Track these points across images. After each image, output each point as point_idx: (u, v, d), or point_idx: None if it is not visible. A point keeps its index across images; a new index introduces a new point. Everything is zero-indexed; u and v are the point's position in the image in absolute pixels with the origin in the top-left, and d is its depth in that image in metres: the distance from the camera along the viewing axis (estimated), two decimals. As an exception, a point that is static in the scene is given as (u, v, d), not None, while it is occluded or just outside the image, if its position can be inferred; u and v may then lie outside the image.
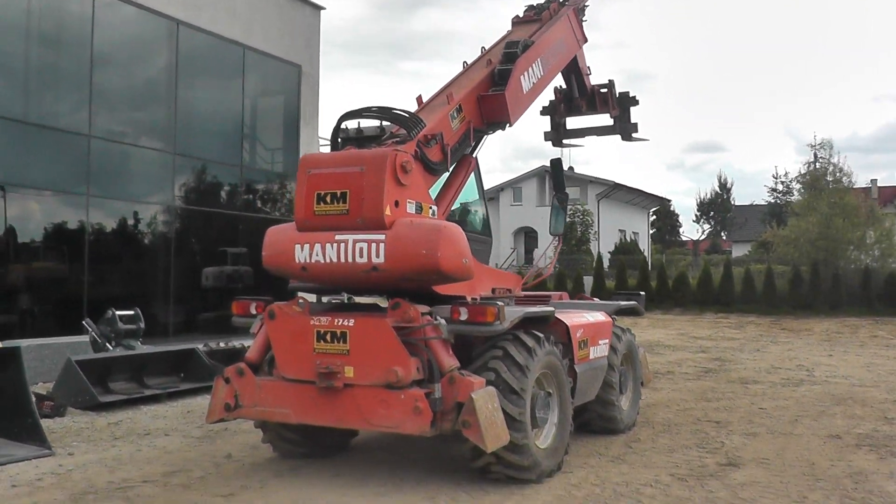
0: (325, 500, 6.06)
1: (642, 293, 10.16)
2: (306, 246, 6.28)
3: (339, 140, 6.90)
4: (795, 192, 47.54)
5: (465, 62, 8.67)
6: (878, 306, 28.71)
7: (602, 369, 8.16)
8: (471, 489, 6.29)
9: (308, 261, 6.27)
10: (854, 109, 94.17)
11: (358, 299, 7.35)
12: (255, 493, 6.22)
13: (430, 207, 6.73)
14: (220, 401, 6.55)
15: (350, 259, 6.12)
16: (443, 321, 6.15)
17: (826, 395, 11.54)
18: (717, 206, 60.53)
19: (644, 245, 51.41)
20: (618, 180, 52.27)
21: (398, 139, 6.77)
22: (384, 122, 8.01)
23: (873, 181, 41.60)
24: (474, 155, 8.22)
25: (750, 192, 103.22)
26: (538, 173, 52.70)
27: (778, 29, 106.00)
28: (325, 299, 7.38)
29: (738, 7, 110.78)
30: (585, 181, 51.58)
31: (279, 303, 6.55)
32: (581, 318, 7.84)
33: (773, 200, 51.11)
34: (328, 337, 6.20)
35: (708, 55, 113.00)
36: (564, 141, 11.82)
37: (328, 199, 6.25)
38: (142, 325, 10.97)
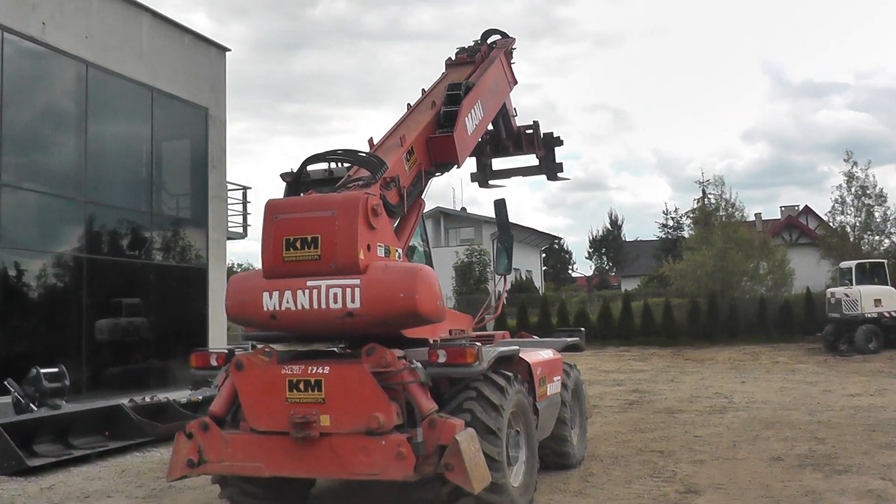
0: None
1: (582, 329, 10.35)
2: (275, 293, 6.08)
3: (293, 185, 6.79)
4: (686, 228, 49.96)
5: (408, 104, 8.72)
6: (774, 333, 30.26)
7: (557, 406, 8.24)
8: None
9: (278, 308, 6.07)
10: (727, 146, 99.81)
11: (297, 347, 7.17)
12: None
13: (397, 250, 6.68)
14: (183, 457, 6.21)
15: (324, 305, 5.96)
16: (419, 364, 6.09)
17: (753, 420, 12.01)
18: (608, 243, 62.51)
19: (538, 283, 52.41)
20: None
21: (361, 182, 6.72)
22: (331, 165, 8.01)
23: (757, 215, 44.00)
24: (423, 196, 8.24)
25: (632, 229, 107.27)
26: (432, 215, 53.09)
27: (647, 69, 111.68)
28: (278, 347, 7.17)
29: (611, 48, 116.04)
30: (480, 221, 52.33)
31: (245, 353, 6.31)
32: (538, 355, 7.90)
33: (664, 235, 53.17)
34: (301, 386, 6.01)
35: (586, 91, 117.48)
36: (490, 182, 12.00)
37: (298, 244, 6.10)
38: (67, 382, 10.35)
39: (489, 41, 10.64)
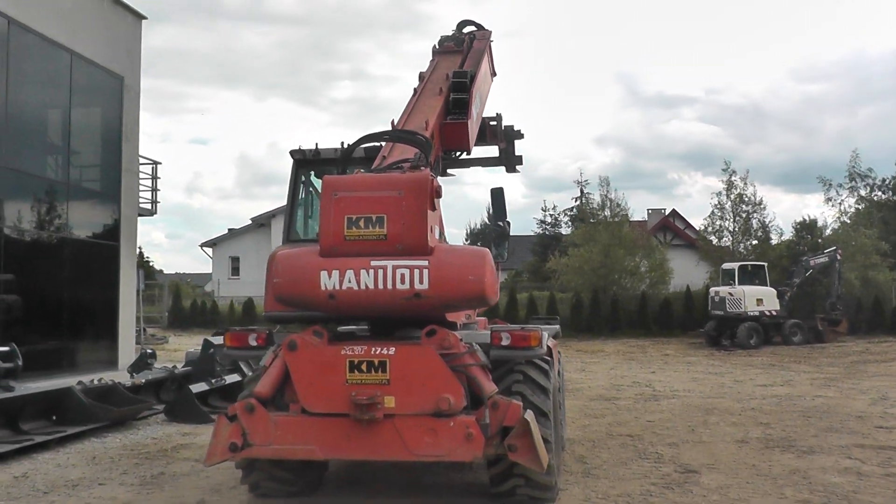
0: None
1: (557, 317, 10.61)
2: (335, 273, 5.85)
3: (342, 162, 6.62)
4: (563, 225, 51.79)
5: (414, 89, 8.66)
6: (654, 328, 31.97)
7: (562, 389, 8.45)
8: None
9: (338, 288, 5.85)
10: (579, 149, 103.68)
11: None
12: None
13: (444, 234, 6.64)
14: (224, 441, 5.88)
15: (389, 286, 5.82)
16: (477, 346, 6.10)
17: (691, 407, 12.70)
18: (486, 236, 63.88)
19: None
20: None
21: (409, 163, 6.61)
22: (346, 145, 7.84)
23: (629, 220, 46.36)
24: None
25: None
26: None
27: (505, 70, 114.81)
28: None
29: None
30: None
31: (298, 333, 6.07)
32: (550, 340, 8.07)
33: (541, 232, 54.89)
34: (364, 367, 5.86)
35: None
36: (448, 171, 12.05)
37: (361, 223, 5.92)
38: (20, 362, 9.49)
39: (465, 31, 10.68)
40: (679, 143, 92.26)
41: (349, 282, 5.84)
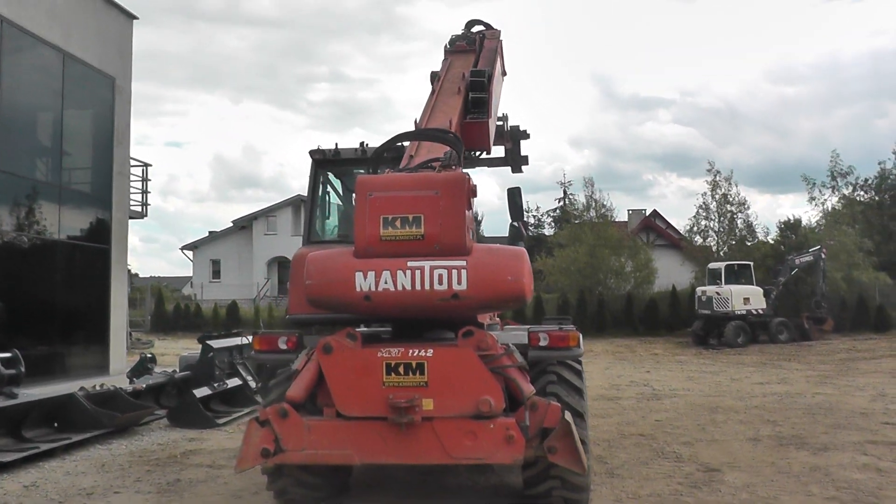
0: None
1: (569, 317, 10.54)
2: (371, 274, 5.72)
3: (374, 161, 6.51)
4: (546, 226, 51.94)
5: (432, 87, 8.57)
6: (640, 328, 32.11)
7: None
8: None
9: (374, 289, 5.72)
10: (555, 150, 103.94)
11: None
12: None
13: (475, 234, 6.54)
14: (256, 446, 5.71)
15: (427, 286, 5.70)
16: (514, 347, 6.02)
17: (695, 406, 12.70)
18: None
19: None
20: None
21: (440, 162, 6.51)
22: (366, 144, 7.74)
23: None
24: None
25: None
26: (293, 202, 52.22)
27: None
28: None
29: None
30: (344, 212, 51.91)
31: (333, 336, 5.93)
32: None
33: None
34: (401, 369, 5.73)
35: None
36: None
37: (397, 223, 5.81)
38: (22, 368, 9.24)
39: (474, 30, 10.62)
40: (654, 144, 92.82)
41: (385, 283, 5.71)
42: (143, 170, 19.42)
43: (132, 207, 18.34)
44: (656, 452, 8.84)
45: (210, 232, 54.76)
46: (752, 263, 28.31)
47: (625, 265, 34.44)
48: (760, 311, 26.86)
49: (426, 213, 5.80)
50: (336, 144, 7.75)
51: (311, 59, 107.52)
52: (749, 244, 33.42)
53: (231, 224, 53.05)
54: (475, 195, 6.11)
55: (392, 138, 6.58)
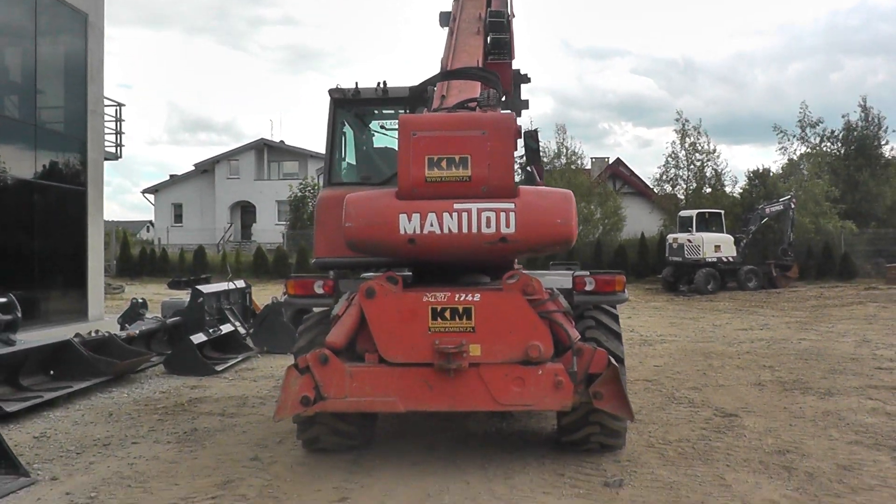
0: (447, 487, 5.50)
1: (577, 262, 10.47)
2: (415, 216, 5.52)
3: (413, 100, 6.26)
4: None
5: (449, 28, 8.27)
6: (609, 274, 32.34)
7: None
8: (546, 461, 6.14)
9: (419, 232, 5.52)
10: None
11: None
12: (363, 492, 5.44)
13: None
14: (295, 394, 5.54)
15: (475, 229, 5.52)
16: (558, 291, 5.90)
17: (687, 352, 12.83)
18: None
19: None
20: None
21: (476, 102, 6.28)
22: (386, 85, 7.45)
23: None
24: None
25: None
26: (256, 146, 51.25)
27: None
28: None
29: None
30: (304, 155, 51.05)
31: (376, 280, 5.73)
32: None
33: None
34: (447, 314, 5.59)
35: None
36: None
37: (443, 164, 5.59)
38: (19, 314, 8.85)
39: None
40: (610, 94, 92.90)
41: (431, 226, 5.52)
42: (116, 110, 18.66)
43: (106, 149, 17.64)
44: (668, 398, 8.89)
45: (171, 175, 53.50)
46: (722, 212, 28.60)
47: (594, 212, 34.55)
48: (731, 259, 27.25)
49: (473, 153, 5.60)
50: (356, 83, 7.44)
51: (262, 3, 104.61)
52: (717, 192, 33.75)
53: (193, 168, 51.81)
54: (520, 136, 5.93)
55: (435, 76, 6.35)
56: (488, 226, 5.51)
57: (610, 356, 5.75)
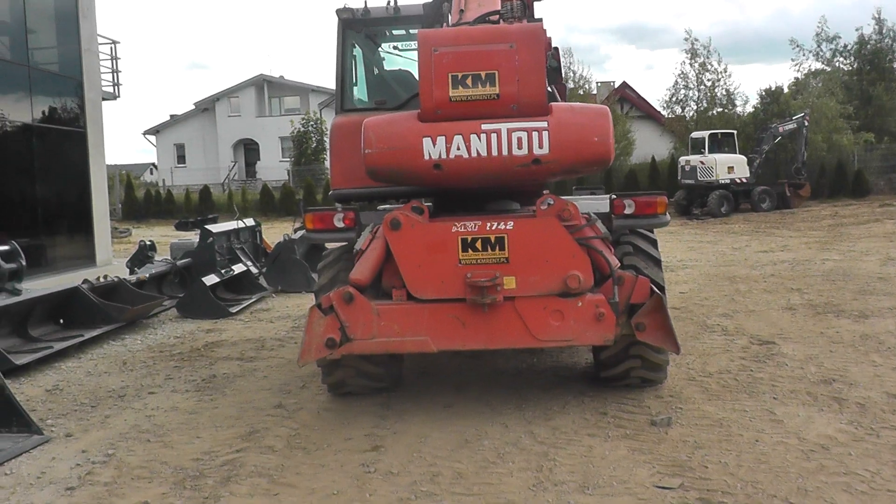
0: (484, 431, 5.23)
1: (602, 187, 10.11)
2: (440, 139, 5.09)
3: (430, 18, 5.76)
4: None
5: None
6: (620, 199, 31.90)
7: None
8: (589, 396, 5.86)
9: (444, 156, 5.11)
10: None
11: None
12: (396, 440, 5.18)
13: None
14: (320, 337, 5.22)
15: (505, 152, 5.11)
16: (595, 216, 5.52)
17: (711, 277, 12.51)
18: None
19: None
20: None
21: (499, 14, 5.79)
22: (396, 3, 6.95)
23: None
24: None
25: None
26: (256, 83, 50.22)
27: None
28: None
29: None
30: (306, 90, 50.04)
31: (400, 210, 5.35)
32: None
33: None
34: (479, 245, 5.23)
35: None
36: None
37: (468, 81, 5.14)
38: (23, 261, 8.53)
39: None
40: (610, 17, 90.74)
41: (458, 149, 5.11)
42: (111, 47, 17.99)
43: (104, 88, 17.06)
44: (700, 326, 8.59)
45: (171, 115, 52.54)
46: (735, 132, 27.93)
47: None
48: (744, 180, 26.71)
49: (501, 69, 5.14)
50: (365, 2, 6.92)
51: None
52: (728, 112, 32.97)
53: (193, 107, 50.90)
54: (550, 49, 5.46)
55: None
56: (520, 147, 5.10)
57: (652, 284, 5.42)
